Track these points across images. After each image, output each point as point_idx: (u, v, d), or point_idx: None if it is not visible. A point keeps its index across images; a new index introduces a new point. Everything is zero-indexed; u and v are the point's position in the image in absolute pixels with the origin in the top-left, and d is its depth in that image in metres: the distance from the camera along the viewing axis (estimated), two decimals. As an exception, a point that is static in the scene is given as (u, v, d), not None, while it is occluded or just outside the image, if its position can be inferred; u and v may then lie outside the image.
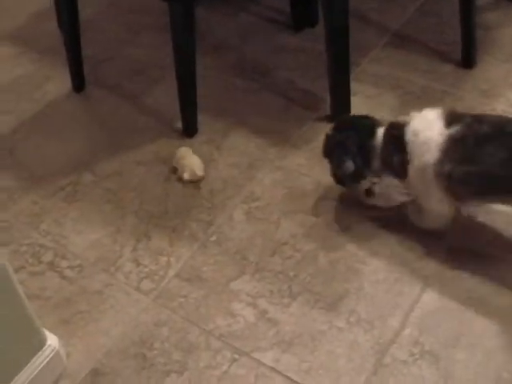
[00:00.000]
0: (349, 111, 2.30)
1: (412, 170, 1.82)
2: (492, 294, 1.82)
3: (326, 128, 2.14)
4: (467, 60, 2.53)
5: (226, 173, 2.18)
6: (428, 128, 1.80)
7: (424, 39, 2.67)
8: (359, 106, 2.34)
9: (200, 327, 1.81)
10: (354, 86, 2.36)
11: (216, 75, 2.54)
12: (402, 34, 2.70)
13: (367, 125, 1.93)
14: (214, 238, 2.00)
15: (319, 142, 2.13)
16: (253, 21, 2.80)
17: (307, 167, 2.17)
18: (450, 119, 1.80)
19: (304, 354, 1.74)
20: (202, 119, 2.32)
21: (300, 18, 2.71)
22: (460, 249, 1.93)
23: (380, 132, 1.89)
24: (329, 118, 2.31)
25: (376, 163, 1.91)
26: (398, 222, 1.99)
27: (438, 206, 1.87)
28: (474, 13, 2.45)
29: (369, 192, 2.03)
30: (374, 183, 2.00)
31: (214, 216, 2.06)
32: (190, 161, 2.16)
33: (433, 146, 1.78)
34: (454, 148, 1.76)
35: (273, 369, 1.72)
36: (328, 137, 1.98)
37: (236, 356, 1.75)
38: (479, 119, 1.79)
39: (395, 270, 1.89)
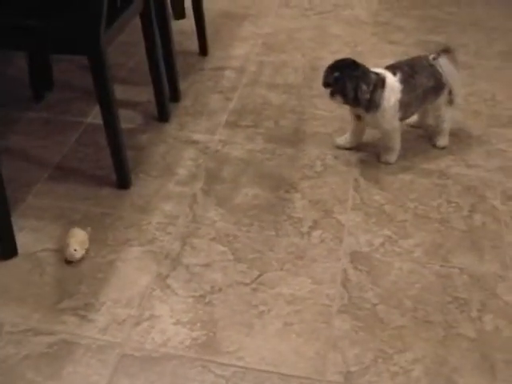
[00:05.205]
0: (15, 248, 2.43)
1: (385, 105, 2.79)
2: None
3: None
4: (122, 181, 2.79)
5: None
6: (392, 79, 2.81)
7: (83, 168, 2.90)
8: (26, 240, 2.50)
9: None
10: (20, 221, 2.54)
11: None
12: (62, 166, 2.91)
13: (367, 69, 2.80)
14: None
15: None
16: None
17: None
18: (392, 71, 2.84)
19: None
20: None
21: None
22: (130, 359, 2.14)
23: (374, 75, 2.78)
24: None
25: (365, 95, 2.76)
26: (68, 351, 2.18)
27: (395, 125, 2.88)
28: (119, 137, 2.70)
29: (359, 117, 2.91)
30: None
31: None
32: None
33: (396, 89, 2.81)
34: (404, 86, 2.82)
35: None
36: (336, 71, 2.77)
37: None
38: (401, 65, 2.89)
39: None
